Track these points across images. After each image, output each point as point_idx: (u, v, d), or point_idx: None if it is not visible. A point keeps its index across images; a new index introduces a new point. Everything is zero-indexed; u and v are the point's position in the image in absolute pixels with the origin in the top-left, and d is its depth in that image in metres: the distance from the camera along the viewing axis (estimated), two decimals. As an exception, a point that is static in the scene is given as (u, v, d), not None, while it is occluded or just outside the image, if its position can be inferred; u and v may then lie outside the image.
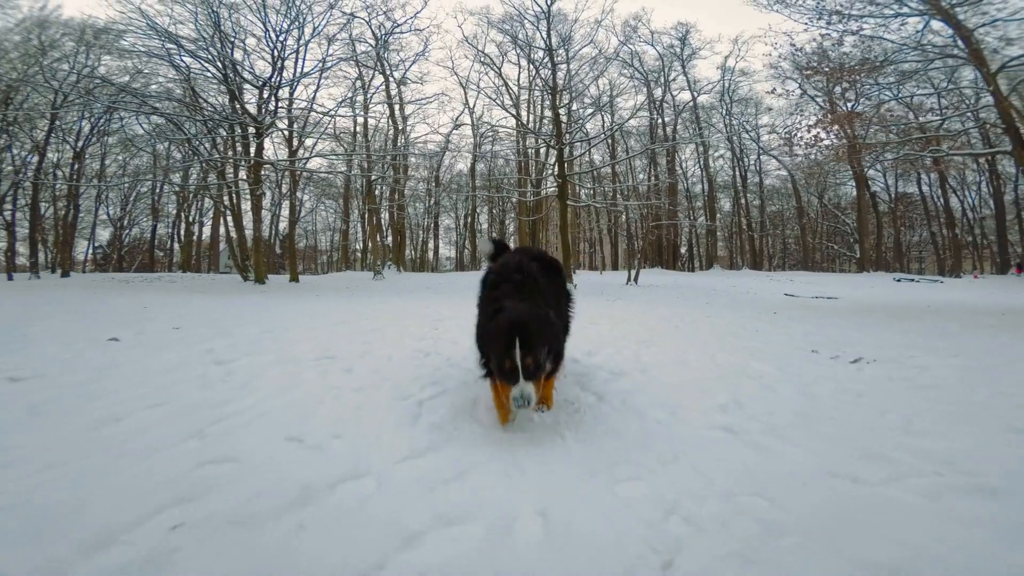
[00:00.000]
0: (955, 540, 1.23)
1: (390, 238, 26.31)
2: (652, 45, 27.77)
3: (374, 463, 1.66)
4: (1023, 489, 1.46)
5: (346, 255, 32.21)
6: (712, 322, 6.11)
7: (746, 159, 29.43)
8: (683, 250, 36.24)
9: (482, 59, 22.34)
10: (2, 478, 1.50)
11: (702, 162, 28.87)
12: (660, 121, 28.50)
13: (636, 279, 17.92)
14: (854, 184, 24.13)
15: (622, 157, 26.00)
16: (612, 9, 27.75)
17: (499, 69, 22.88)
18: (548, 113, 16.85)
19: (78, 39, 19.83)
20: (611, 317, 6.36)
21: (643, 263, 30.30)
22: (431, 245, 35.00)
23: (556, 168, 15.89)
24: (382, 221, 25.93)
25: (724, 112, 26.05)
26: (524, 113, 26.79)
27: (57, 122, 20.80)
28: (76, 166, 24.09)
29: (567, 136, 15.55)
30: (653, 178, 27.50)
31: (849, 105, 18.83)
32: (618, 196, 22.96)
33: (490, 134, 27.01)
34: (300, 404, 2.30)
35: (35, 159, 21.84)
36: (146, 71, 17.09)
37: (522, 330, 1.81)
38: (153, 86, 17.28)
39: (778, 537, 1.26)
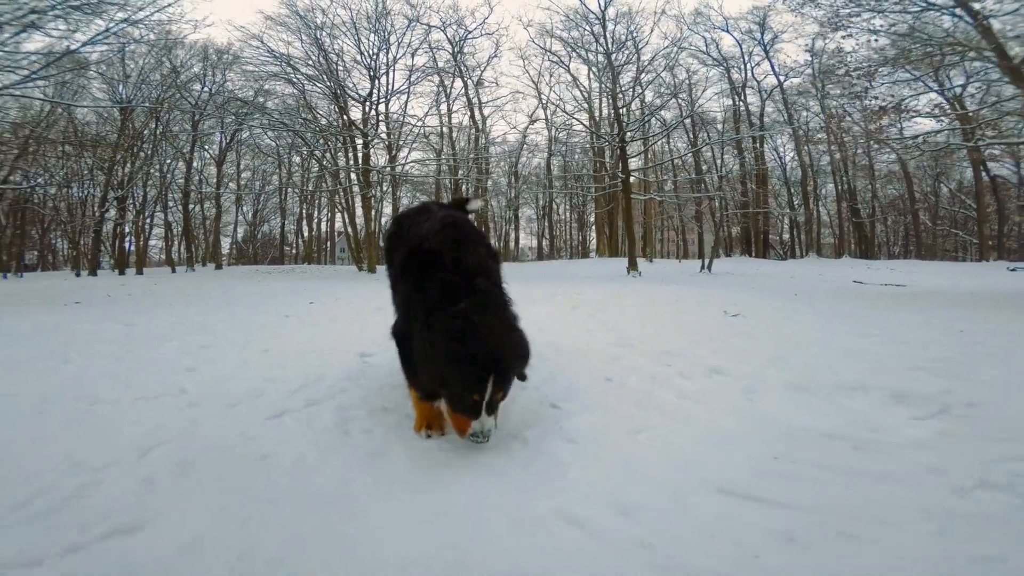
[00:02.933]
0: (622, 366, 3.75)
1: (477, 230, 29.90)
2: (727, 31, 28.30)
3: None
4: (686, 352, 3.88)
5: (437, 247, 36.60)
6: (714, 298, 8.07)
7: (853, 143, 28.76)
8: (785, 236, 35.86)
9: (550, 58, 25.13)
10: (341, 335, 4.58)
11: (796, 147, 28.84)
12: (745, 109, 28.96)
13: (710, 267, 19.09)
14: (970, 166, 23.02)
15: (702, 145, 27.22)
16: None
17: (567, 66, 25.42)
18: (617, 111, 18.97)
19: (203, 59, 24.14)
20: (639, 294, 8.72)
21: (729, 251, 30.88)
22: (512, 236, 38.48)
23: (620, 164, 18.06)
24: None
25: (819, 96, 25.85)
26: (596, 106, 28.98)
27: (197, 134, 25.71)
28: (217, 172, 30.57)
29: (629, 135, 17.64)
30: (736, 166, 28.23)
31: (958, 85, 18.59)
32: (707, 184, 24.24)
33: (564, 128, 29.68)
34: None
35: (182, 166, 27.10)
36: (266, 87, 21.18)
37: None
38: (275, 100, 21.52)
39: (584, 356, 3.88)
